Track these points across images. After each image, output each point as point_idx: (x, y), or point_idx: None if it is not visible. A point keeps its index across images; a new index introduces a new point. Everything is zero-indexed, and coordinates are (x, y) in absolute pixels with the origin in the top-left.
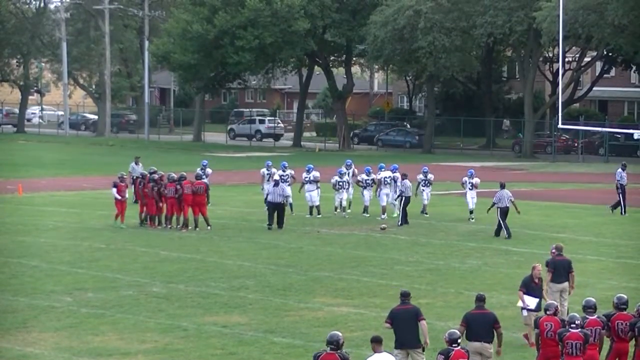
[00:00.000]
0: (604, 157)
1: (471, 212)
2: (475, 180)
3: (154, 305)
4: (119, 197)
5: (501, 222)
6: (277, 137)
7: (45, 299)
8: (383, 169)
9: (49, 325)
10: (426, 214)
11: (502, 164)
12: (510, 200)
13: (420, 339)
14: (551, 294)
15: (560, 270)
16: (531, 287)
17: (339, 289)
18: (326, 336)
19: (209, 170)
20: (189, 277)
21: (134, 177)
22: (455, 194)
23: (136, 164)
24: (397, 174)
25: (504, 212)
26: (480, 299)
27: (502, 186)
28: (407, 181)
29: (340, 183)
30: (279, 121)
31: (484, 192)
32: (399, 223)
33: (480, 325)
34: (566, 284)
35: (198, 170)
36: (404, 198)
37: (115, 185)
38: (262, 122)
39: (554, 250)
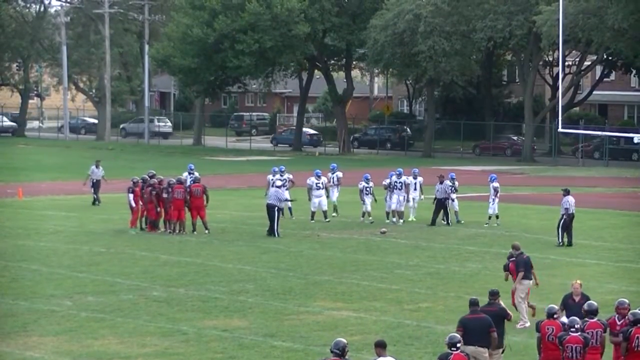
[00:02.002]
0: (603, 161)
1: (489, 217)
2: (494, 184)
3: (154, 309)
4: (134, 205)
5: (560, 229)
6: (165, 135)
7: (45, 303)
8: (401, 174)
9: (49, 329)
10: (460, 220)
11: (502, 167)
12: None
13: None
14: (522, 291)
15: (524, 266)
16: (569, 305)
17: (339, 292)
18: (326, 339)
19: (196, 174)
20: (189, 280)
21: (94, 180)
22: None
23: (96, 167)
24: (421, 178)
25: (571, 218)
26: (474, 303)
27: (567, 192)
28: (446, 182)
29: (368, 189)
30: (168, 121)
31: (478, 197)
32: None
33: (476, 329)
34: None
35: (192, 174)
36: (437, 200)
37: (132, 191)
38: (151, 121)
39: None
